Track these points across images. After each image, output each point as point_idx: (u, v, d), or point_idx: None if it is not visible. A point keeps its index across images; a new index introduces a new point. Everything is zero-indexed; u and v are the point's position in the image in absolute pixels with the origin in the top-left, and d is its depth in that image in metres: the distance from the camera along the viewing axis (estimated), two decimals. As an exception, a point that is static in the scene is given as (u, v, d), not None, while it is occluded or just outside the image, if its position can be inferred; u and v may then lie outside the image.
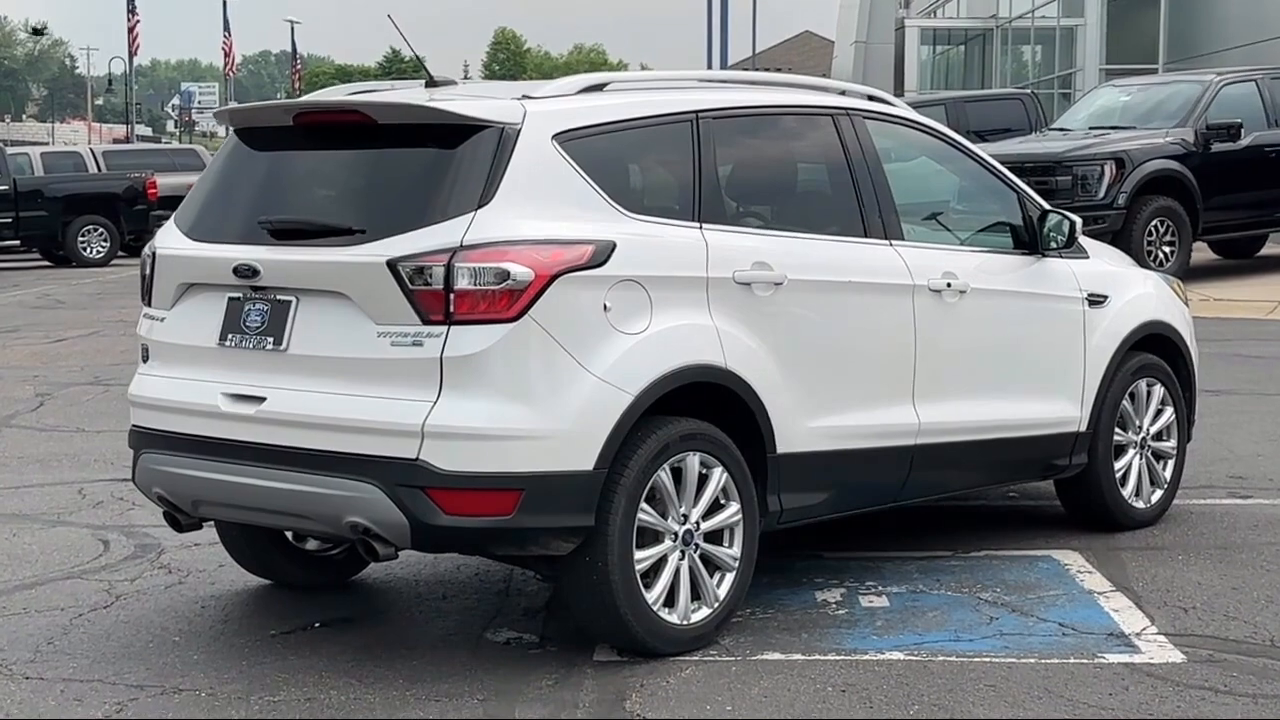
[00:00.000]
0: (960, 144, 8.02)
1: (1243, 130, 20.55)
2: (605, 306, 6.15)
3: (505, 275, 5.94)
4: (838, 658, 6.44)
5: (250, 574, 7.52)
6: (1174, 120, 20.68)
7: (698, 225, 6.60)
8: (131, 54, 72.79)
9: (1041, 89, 41.25)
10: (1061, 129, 22.27)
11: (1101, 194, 19.83)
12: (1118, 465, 8.40)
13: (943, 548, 8.15)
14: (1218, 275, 21.43)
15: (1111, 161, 19.90)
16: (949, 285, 7.46)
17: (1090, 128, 21.63)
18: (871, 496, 7.38)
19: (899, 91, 35.49)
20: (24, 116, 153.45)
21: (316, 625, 6.95)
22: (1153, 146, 20.18)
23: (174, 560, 8.01)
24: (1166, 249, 20.17)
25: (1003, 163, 20.66)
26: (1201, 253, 23.18)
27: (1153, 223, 20.04)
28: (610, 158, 6.49)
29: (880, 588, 7.43)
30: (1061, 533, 8.42)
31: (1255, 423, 11.50)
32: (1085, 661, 6.35)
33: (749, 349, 6.61)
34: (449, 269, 5.92)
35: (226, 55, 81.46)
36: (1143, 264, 19.19)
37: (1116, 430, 8.38)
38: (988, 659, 6.40)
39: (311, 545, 7.36)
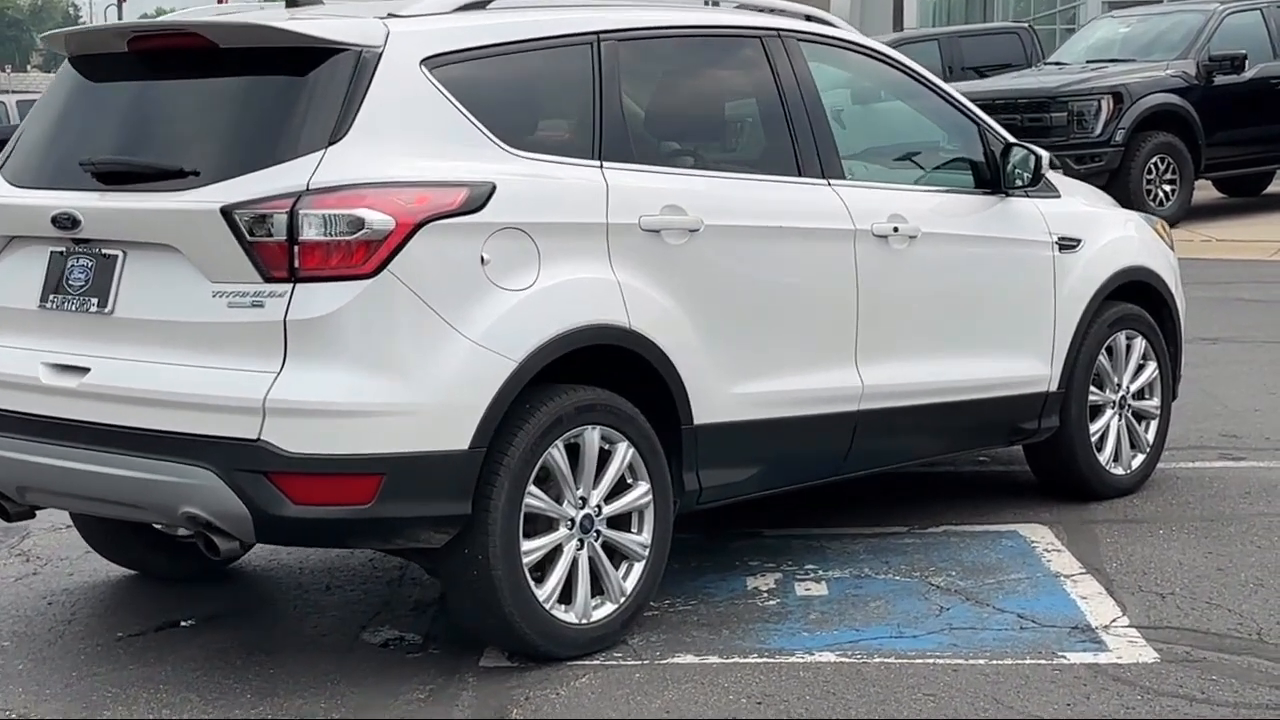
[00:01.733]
0: (913, 71, 7.14)
1: (1247, 62, 19.58)
2: (483, 259, 5.30)
3: (360, 224, 5.09)
4: (759, 660, 5.60)
5: (115, 564, 6.66)
6: (1175, 52, 19.70)
7: (597, 164, 5.73)
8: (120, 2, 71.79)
9: (1043, 24, 40.19)
10: (1058, 63, 21.32)
11: (1098, 130, 18.91)
12: (1093, 428, 7.54)
13: (898, 522, 7.30)
14: (1222, 214, 20.49)
15: (1109, 96, 18.96)
16: (896, 230, 6.58)
17: (1088, 61, 20.67)
18: (809, 470, 6.53)
19: (898, 28, 34.44)
20: (28, 67, 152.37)
21: (180, 624, 6.12)
22: (1152, 80, 19.22)
23: (36, 546, 7.19)
24: (1167, 188, 19.25)
25: (996, 99, 19.90)
26: (1205, 191, 22.24)
27: (1152, 160, 19.10)
28: (492, 86, 5.62)
29: (821, 572, 6.59)
30: (1032, 503, 7.57)
31: (1253, 374, 10.63)
32: (1043, 662, 5.51)
33: (658, 306, 5.74)
34: (293, 217, 5.06)
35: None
36: (1141, 204, 18.41)
37: (1092, 389, 7.52)
38: (931, 660, 5.56)
39: (182, 530, 6.49)
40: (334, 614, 6.24)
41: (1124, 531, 7.09)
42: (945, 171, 7.28)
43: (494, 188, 5.35)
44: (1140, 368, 7.78)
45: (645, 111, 6.19)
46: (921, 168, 7.28)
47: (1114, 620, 5.93)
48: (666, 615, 6.08)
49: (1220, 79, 19.51)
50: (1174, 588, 6.29)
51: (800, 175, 6.40)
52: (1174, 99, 19.15)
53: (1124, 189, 18.81)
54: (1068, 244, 7.36)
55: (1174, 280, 7.92)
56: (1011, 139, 7.20)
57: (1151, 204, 18.90)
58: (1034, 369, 7.23)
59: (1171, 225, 18.69)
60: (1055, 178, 7.60)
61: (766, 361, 6.18)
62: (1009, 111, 19.60)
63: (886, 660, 5.58)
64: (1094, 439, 7.55)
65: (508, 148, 5.51)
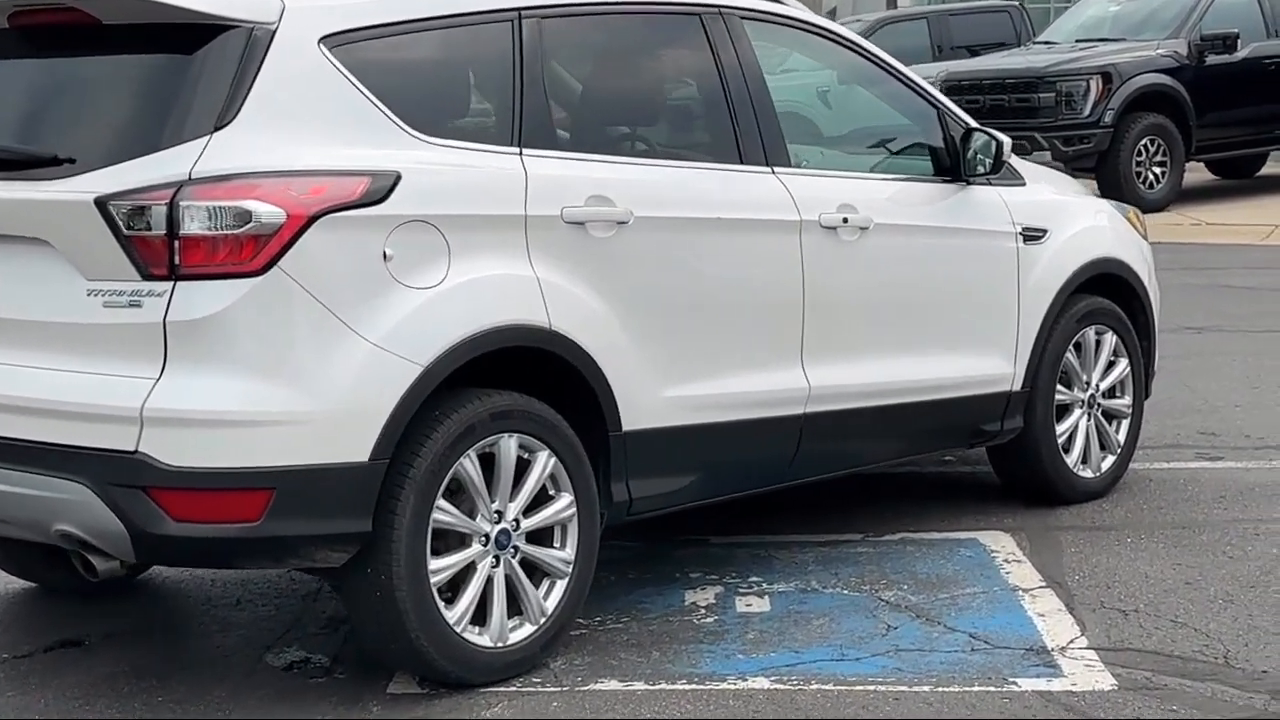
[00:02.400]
0: (868, 51, 6.72)
1: (1239, 41, 19.13)
2: (385, 254, 4.88)
3: (246, 216, 4.67)
4: (687, 687, 5.20)
5: (11, 576, 6.26)
6: (1166, 31, 19.26)
7: (516, 151, 5.31)
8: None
9: (1036, 2, 39.70)
10: (1047, 42, 20.88)
11: (1087, 111, 18.49)
12: (1060, 429, 7.12)
13: (853, 529, 6.90)
14: (1214, 197, 20.07)
15: (1098, 76, 18.54)
16: (846, 220, 6.16)
17: (1077, 40, 20.24)
18: (751, 477, 6.12)
19: (892, 6, 33.93)
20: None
21: (75, 643, 5.70)
22: (1142, 59, 18.79)
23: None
24: (1157, 170, 18.84)
25: (982, 79, 19.47)
26: (1198, 173, 21.85)
27: (1142, 142, 18.69)
28: (400, 67, 5.21)
29: (764, 585, 6.18)
30: (996, 508, 7.17)
31: (1236, 365, 10.22)
32: (991, 689, 5.12)
33: (583, 305, 5.33)
34: (173, 209, 4.64)
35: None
36: (1132, 187, 17.99)
37: (1059, 388, 7.11)
38: (873, 686, 5.16)
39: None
40: (241, 632, 5.84)
41: (1090, 540, 6.69)
42: (902, 158, 6.87)
43: (399, 177, 4.93)
44: (1111, 365, 7.38)
45: (571, 95, 5.78)
46: (877, 154, 6.89)
47: (1071, 641, 5.53)
48: (595, 634, 5.67)
49: (1212, 59, 19.08)
50: (1138, 604, 5.89)
51: (742, 163, 5.99)
52: (1164, 79, 18.73)
53: (1113, 171, 18.41)
54: (1033, 234, 6.95)
55: (1147, 272, 7.51)
56: (973, 124, 6.78)
57: (1141, 186, 18.51)
58: (996, 367, 6.82)
59: (1161, 208, 18.46)
60: (1021, 164, 7.18)
61: (703, 363, 5.77)
62: (996, 92, 19.20)
63: (824, 687, 5.18)
64: (1061, 440, 7.15)
65: (416, 134, 5.10)
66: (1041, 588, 6.10)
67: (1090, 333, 7.22)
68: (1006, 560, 6.45)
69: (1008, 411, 6.91)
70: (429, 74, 5.32)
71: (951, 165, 6.75)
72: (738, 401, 5.89)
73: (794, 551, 6.62)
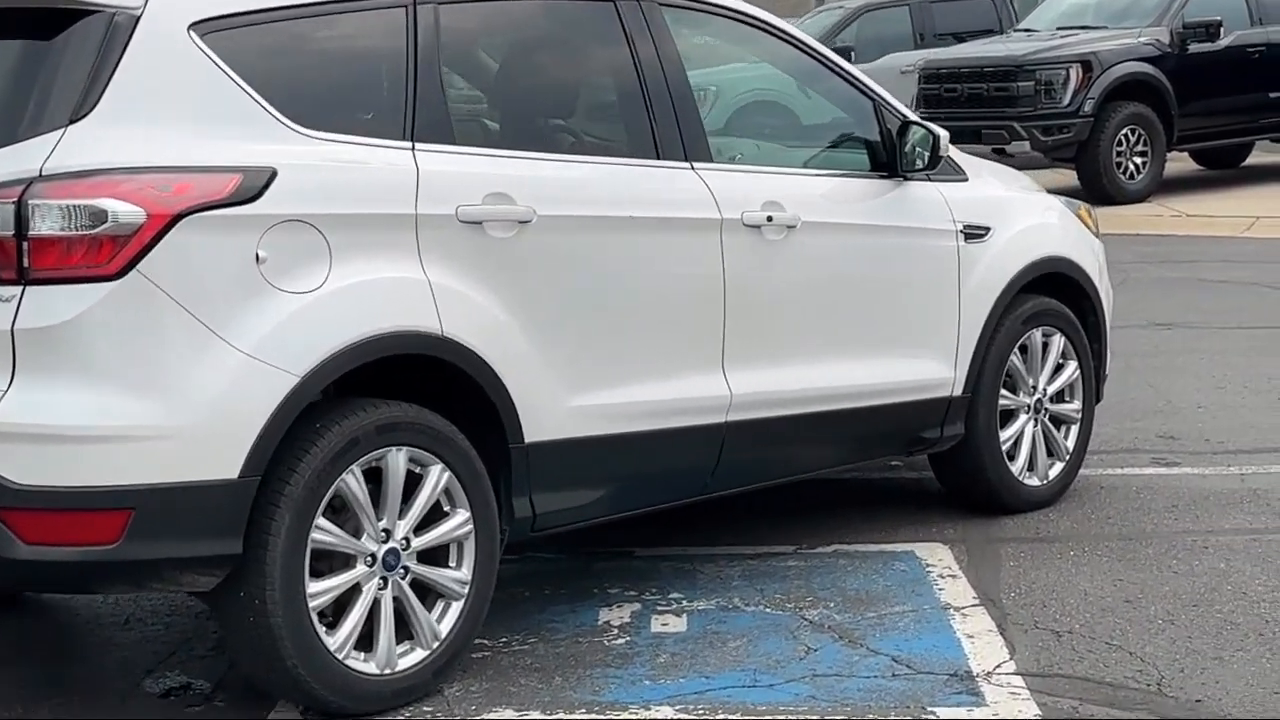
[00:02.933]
0: (799, 41, 6.39)
1: (1223, 29, 18.78)
2: (258, 257, 4.57)
3: (103, 216, 4.37)
4: (586, 716, 4.90)
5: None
6: (1148, 19, 18.90)
7: (408, 146, 5.00)
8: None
9: (1026, -11, 39.31)
10: (1027, 30, 20.52)
11: (1066, 101, 18.15)
12: (1004, 435, 6.81)
13: (785, 540, 6.59)
14: (1197, 188, 19.73)
15: (1077, 64, 18.19)
16: (771, 219, 5.84)
17: (1058, 28, 19.86)
18: (669, 490, 5.81)
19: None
20: None
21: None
22: (1123, 48, 18.44)
23: None
24: (1138, 160, 18.50)
25: (961, 68, 19.11)
26: (1182, 163, 21.51)
27: (1123, 131, 18.33)
28: (280, 56, 4.91)
29: (685, 602, 5.87)
30: (938, 518, 6.87)
31: (1204, 364, 9.90)
32: (907, 719, 4.79)
33: (480, 309, 5.02)
34: (21, 207, 4.34)
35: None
36: (1112, 177, 17.66)
37: (1003, 392, 6.79)
38: (784, 715, 4.90)
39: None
40: (123, 654, 5.53)
41: (1031, 553, 6.38)
42: (835, 152, 6.56)
43: (274, 174, 4.62)
44: (1059, 368, 7.07)
45: (471, 86, 5.47)
46: (810, 149, 6.58)
47: (999, 666, 5.22)
48: (498, 657, 5.37)
49: (1195, 47, 18.74)
50: (1074, 624, 5.58)
51: (659, 158, 5.67)
52: (1146, 68, 18.38)
53: (1093, 161, 18.09)
54: (975, 232, 6.63)
55: (1098, 270, 7.19)
56: (911, 116, 6.46)
57: (1122, 177, 18.18)
58: (935, 372, 6.51)
59: (1142, 199, 18.14)
60: (964, 159, 6.86)
61: (614, 370, 5.46)
62: (974, 81, 18.89)
63: (731, 717, 4.87)
64: (1005, 447, 6.84)
65: (297, 127, 4.78)
66: (974, 606, 5.79)
67: (1037, 335, 6.91)
68: (941, 575, 6.14)
69: (948, 418, 6.60)
70: (312, 64, 5.01)
71: (888, 160, 6.43)
72: (652, 410, 5.58)
73: (721, 565, 6.31)
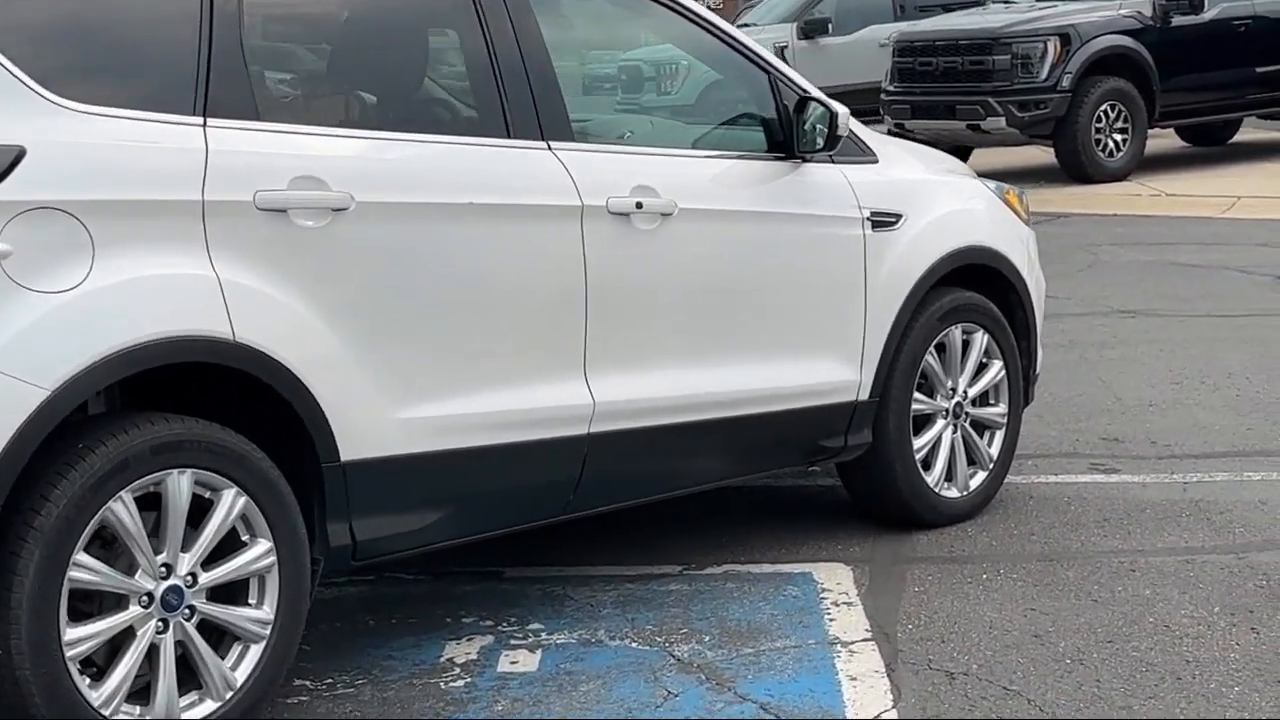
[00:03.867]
0: (681, 6, 5.70)
1: (1207, 1, 18.08)
2: (0, 250, 3.91)
3: None
4: (393, 778, 4.23)
5: None
6: (1129, -10, 18.20)
7: (199, 122, 4.35)
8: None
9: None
10: (1006, 1, 19.82)
11: (1044, 75, 17.49)
12: (918, 443, 6.17)
13: (674, 558, 5.96)
14: (1179, 165, 19.06)
15: (1055, 38, 17.52)
16: (641, 205, 5.20)
17: (1036, 0, 19.19)
18: (523, 510, 5.18)
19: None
20: None
21: None
22: (1103, 20, 17.76)
23: None
24: (1118, 137, 17.83)
25: (936, 41, 18.42)
26: (1168, 140, 20.85)
27: (1102, 107, 17.66)
28: (37, 15, 4.24)
29: (544, 635, 5.25)
30: (845, 534, 6.25)
31: (1163, 357, 9.26)
32: (758, 786, 4.15)
33: (282, 310, 4.39)
34: None
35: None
36: (1090, 155, 16.97)
37: (917, 396, 6.16)
38: (620, 779, 4.20)
39: None
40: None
41: (940, 576, 5.75)
42: (727, 131, 5.93)
43: (21, 153, 3.99)
44: (982, 368, 6.43)
45: (284, 51, 4.81)
46: (698, 128, 5.92)
47: (878, 716, 4.58)
48: (316, 701, 4.76)
49: (1178, 19, 18.06)
50: (971, 663, 4.95)
51: (510, 137, 5.01)
52: (1126, 41, 17.71)
53: (1071, 138, 17.43)
54: (884, 220, 5.99)
55: (1026, 262, 6.54)
56: (811, 91, 5.80)
57: (1101, 154, 17.52)
58: (836, 374, 5.87)
59: (1122, 178, 17.46)
60: (876, 139, 6.22)
61: (453, 378, 4.83)
62: (950, 54, 18.23)
63: (560, 780, 4.22)
64: (920, 456, 6.21)
65: (55, 99, 4.15)
66: (864, 641, 5.17)
67: (956, 332, 6.27)
68: (835, 603, 5.51)
69: (853, 425, 5.96)
70: (80, 25, 4.36)
71: (785, 139, 5.76)
72: (500, 422, 4.95)
73: (596, 589, 5.68)
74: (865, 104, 19.47)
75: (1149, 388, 8.57)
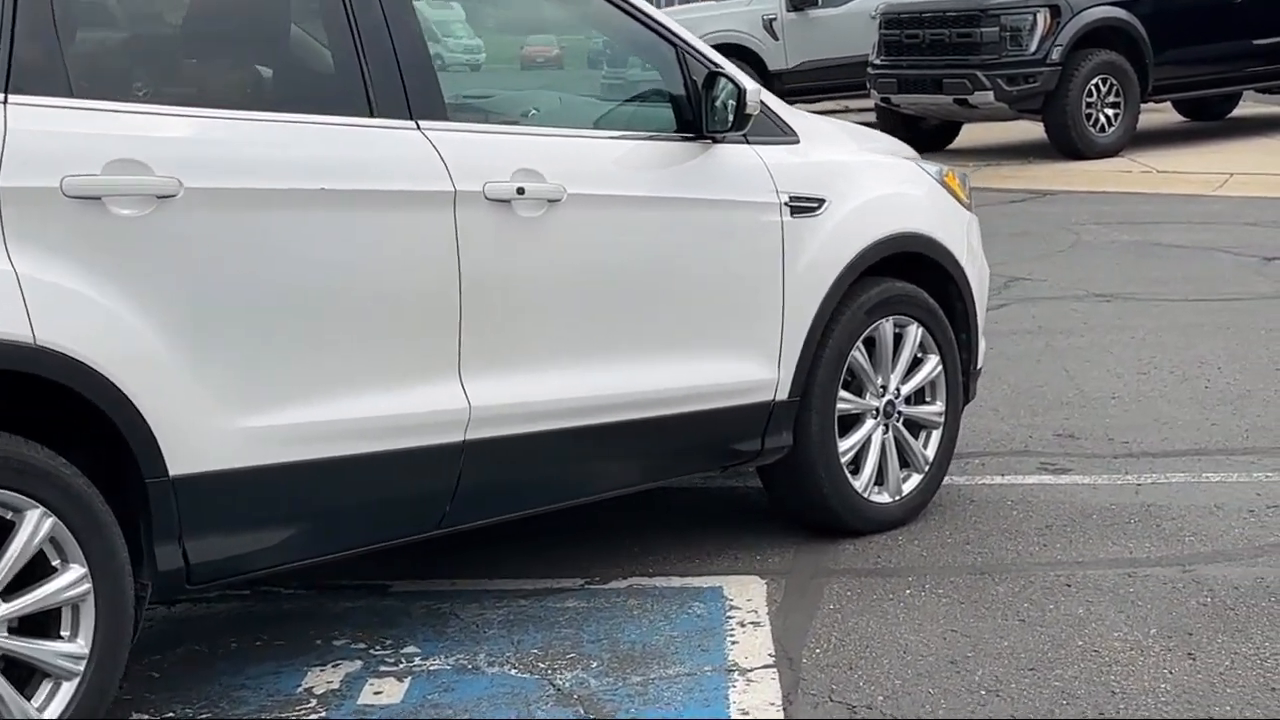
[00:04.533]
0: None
1: (1203, -29, 17.58)
2: None
3: None
4: (213, 832, 3.79)
5: None
6: (1123, -41, 17.68)
7: None
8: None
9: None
10: (995, -27, 19.24)
11: (1033, 48, 17.00)
12: (844, 445, 5.72)
13: (577, 571, 5.54)
14: (1174, 141, 18.57)
15: (1045, 9, 17.02)
16: (523, 191, 4.72)
17: (1027, -30, 18.61)
18: (390, 525, 4.73)
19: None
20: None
21: None
22: (1095, -9, 17.24)
23: None
24: (1110, 112, 17.33)
25: (923, 13, 17.91)
26: (1165, 114, 20.41)
27: (1093, 81, 17.17)
28: None
29: (418, 659, 4.83)
30: (767, 541, 5.83)
31: (1133, 345, 8.79)
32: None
33: (96, 310, 3.95)
34: None
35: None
36: (1081, 130, 16.45)
37: (843, 395, 5.70)
38: (466, 833, 3.75)
39: None
40: None
41: (861, 590, 5.29)
42: (632, 110, 5.49)
43: None
44: (917, 363, 5.97)
45: (101, 18, 4.34)
46: (601, 105, 5.43)
47: (763, 758, 4.12)
48: (150, 738, 4.28)
49: (1172, -10, 17.54)
50: (877, 695, 4.50)
51: (373, 115, 4.54)
52: (1119, 13, 17.22)
53: (1060, 113, 16.96)
54: (805, 205, 5.52)
55: (966, 249, 6.08)
56: (722, 66, 5.32)
57: (1092, 130, 17.04)
58: (751, 373, 5.41)
59: (1113, 153, 16.94)
60: (798, 117, 5.75)
61: (305, 381, 4.39)
62: (936, 26, 17.74)
63: (398, 834, 3.77)
64: (846, 459, 5.75)
65: None
66: (766, 668, 4.72)
67: (886, 326, 5.80)
68: (742, 623, 5.05)
69: (770, 427, 5.50)
70: None
71: (694, 118, 5.29)
72: (361, 429, 4.50)
73: (485, 606, 5.24)
74: (856, 78, 18.97)
75: (1114, 378, 8.11)
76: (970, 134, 19.20)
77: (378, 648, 4.93)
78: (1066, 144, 17.13)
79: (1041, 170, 16.76)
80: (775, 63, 21.48)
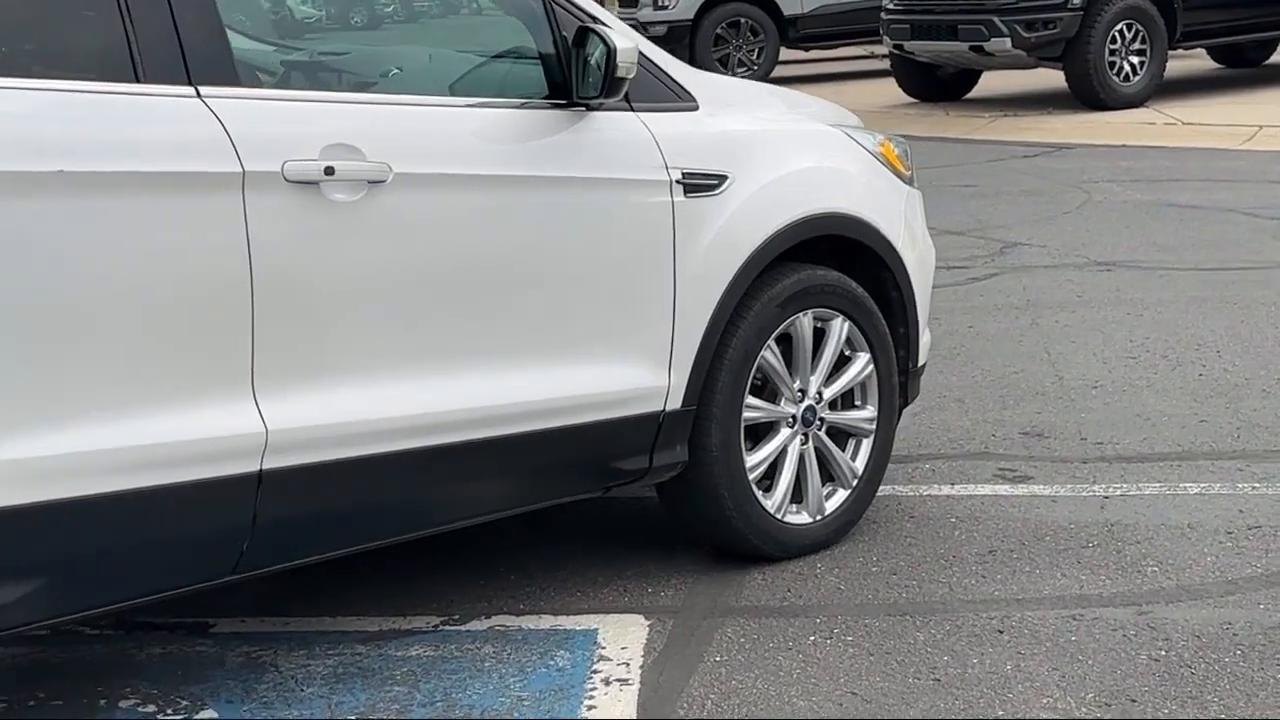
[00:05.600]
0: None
1: (1234, -92, 16.62)
2: None
3: None
4: None
5: None
6: (1150, -104, 16.73)
7: None
8: None
9: None
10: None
11: (1053, -9, 16.09)
12: (753, 459, 4.95)
13: (436, 607, 4.84)
14: (1202, 90, 17.64)
15: (1066, -50, 16.09)
16: (331, 171, 3.91)
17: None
18: (169, 574, 3.99)
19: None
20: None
21: None
22: (1120, -69, 16.31)
23: None
24: (1134, 60, 16.43)
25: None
26: (1197, 61, 19.43)
27: (1117, 27, 16.26)
28: None
29: (208, 727, 4.01)
30: (666, 567, 5.11)
31: (1127, 322, 7.98)
32: None
33: None
34: None
35: None
36: (1103, 79, 15.52)
37: (752, 401, 4.92)
38: None
39: None
40: None
41: (758, 636, 4.53)
42: (490, 71, 4.67)
43: None
44: (844, 362, 5.14)
45: None
46: (448, 66, 4.62)
47: None
48: None
49: (1203, -71, 16.61)
50: (743, 785, 3.68)
51: (139, 80, 3.73)
52: (1145, -47, 16.29)
53: (1082, 61, 16.06)
54: (701, 182, 4.72)
55: (902, 229, 5.25)
56: (598, 20, 4.49)
57: (1115, 79, 16.12)
58: (635, 380, 4.62)
59: (1138, 104, 15.97)
60: (699, 79, 4.94)
61: (48, 406, 3.62)
62: (950, -27, 16.82)
63: None
64: (755, 475, 4.95)
65: None
66: (622, 739, 3.90)
67: (805, 321, 5.00)
68: (609, 679, 4.30)
69: (660, 441, 4.71)
70: None
71: (563, 81, 4.47)
72: (126, 462, 3.75)
73: (315, 654, 4.49)
74: (876, 23, 18.05)
75: (1099, 364, 7.29)
76: (989, 82, 18.30)
77: (169, 710, 4.17)
78: (1088, 94, 16.25)
79: (1060, 122, 15.89)
80: (790, 7, 20.58)
